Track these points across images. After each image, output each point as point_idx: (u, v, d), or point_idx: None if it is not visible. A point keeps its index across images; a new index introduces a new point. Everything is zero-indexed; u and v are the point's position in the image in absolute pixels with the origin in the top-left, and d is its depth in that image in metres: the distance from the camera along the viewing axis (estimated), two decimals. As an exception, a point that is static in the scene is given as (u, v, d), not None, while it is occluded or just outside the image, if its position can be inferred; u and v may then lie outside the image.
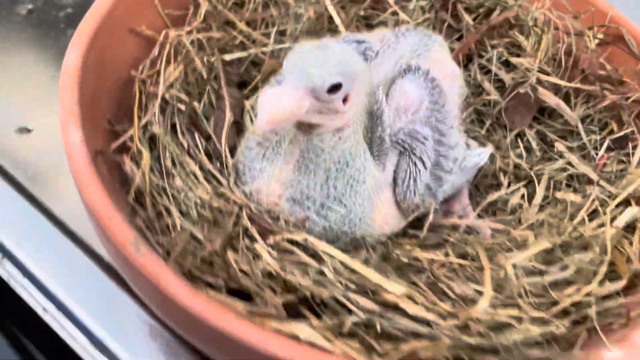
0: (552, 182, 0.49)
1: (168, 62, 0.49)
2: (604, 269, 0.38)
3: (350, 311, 0.34)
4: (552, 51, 0.53)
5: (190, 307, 0.30)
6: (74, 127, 0.37)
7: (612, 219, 0.44)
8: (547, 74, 0.51)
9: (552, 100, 0.50)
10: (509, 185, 0.50)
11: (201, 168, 0.43)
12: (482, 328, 0.33)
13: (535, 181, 0.49)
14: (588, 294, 0.37)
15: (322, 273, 0.36)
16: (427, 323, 0.33)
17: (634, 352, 0.32)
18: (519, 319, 0.35)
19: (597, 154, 0.50)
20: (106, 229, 0.33)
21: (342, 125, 0.39)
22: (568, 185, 0.49)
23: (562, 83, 0.51)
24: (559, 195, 0.48)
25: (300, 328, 0.32)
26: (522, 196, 0.48)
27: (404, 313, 0.34)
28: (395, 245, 0.43)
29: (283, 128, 0.39)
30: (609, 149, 0.51)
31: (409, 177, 0.42)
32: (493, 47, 0.55)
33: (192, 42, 0.51)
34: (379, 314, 0.33)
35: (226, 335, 0.30)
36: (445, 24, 0.57)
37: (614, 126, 0.52)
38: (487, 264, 0.37)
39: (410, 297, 0.35)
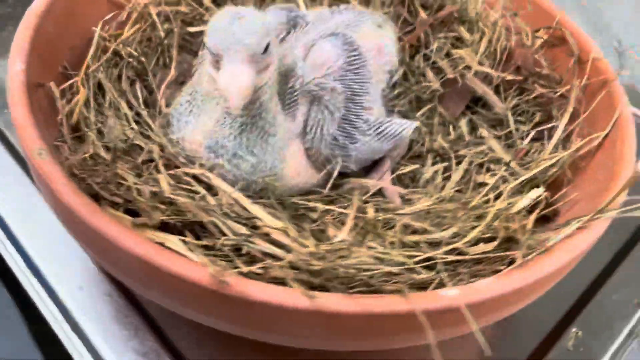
0: (472, 165, 0.51)
1: (133, 26, 0.55)
2: (477, 231, 0.40)
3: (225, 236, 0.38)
4: (493, 46, 0.55)
5: (72, 207, 0.35)
6: (18, 59, 0.43)
7: (512, 196, 0.46)
8: (481, 64, 0.54)
9: (479, 87, 0.53)
10: (433, 164, 0.53)
11: (137, 113, 0.48)
12: (334, 257, 0.36)
13: (454, 162, 0.51)
14: (454, 250, 0.39)
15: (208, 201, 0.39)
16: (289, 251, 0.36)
17: (469, 290, 0.34)
18: (381, 260, 0.37)
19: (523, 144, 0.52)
20: (21, 139, 0.38)
21: (271, 75, 0.43)
22: (488, 170, 0.51)
23: (493, 72, 0.53)
24: (477, 177, 0.50)
25: (171, 239, 0.36)
26: (436, 172, 0.50)
27: (272, 241, 0.37)
28: (300, 198, 0.46)
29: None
30: (535, 140, 0.52)
31: (317, 125, 0.45)
32: (439, 39, 0.58)
33: (159, 13, 0.56)
34: (247, 238, 0.37)
35: (101, 235, 0.34)
36: (401, 18, 0.60)
37: (543, 119, 0.53)
38: (354, 209, 0.40)
39: (285, 232, 0.38)
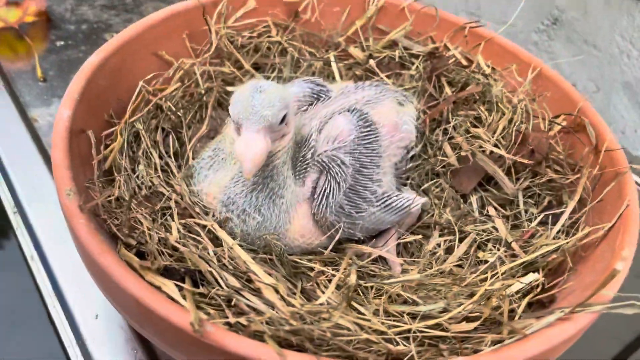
0: (476, 242, 0.52)
1: (179, 82, 0.60)
2: (461, 308, 0.41)
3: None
4: (510, 128, 0.57)
5: (84, 244, 0.39)
6: (66, 107, 0.48)
7: (506, 277, 0.47)
8: (496, 145, 0.56)
9: (489, 167, 0.54)
10: (440, 236, 0.54)
11: (166, 163, 0.53)
12: (314, 319, 0.38)
13: (457, 237, 0.52)
14: (438, 325, 0.41)
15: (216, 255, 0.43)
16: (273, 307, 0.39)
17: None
18: (361, 327, 0.39)
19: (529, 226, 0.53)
20: (55, 179, 0.43)
21: (286, 144, 0.47)
22: (492, 249, 0.52)
23: (505, 154, 0.55)
24: (479, 254, 0.51)
25: (168, 284, 0.39)
26: (439, 245, 0.52)
27: (260, 296, 0.40)
28: (302, 257, 0.49)
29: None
30: (543, 223, 0.53)
31: (323, 193, 0.48)
32: (459, 116, 0.60)
33: (203, 72, 0.62)
34: (237, 291, 0.40)
35: (106, 274, 0.38)
36: (427, 93, 0.63)
37: (554, 203, 0.54)
38: (340, 273, 0.42)
39: (275, 289, 0.41)
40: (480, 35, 0.67)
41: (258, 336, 0.36)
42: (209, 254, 0.42)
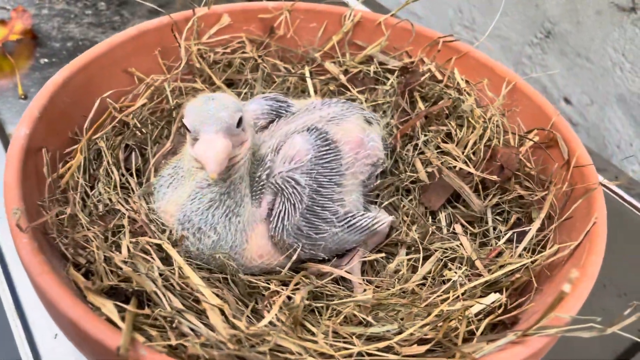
0: (442, 261, 0.51)
1: (147, 99, 0.60)
2: (412, 330, 0.40)
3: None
4: (479, 144, 0.56)
5: (25, 264, 0.39)
6: (24, 125, 0.48)
7: (467, 297, 0.45)
8: (466, 162, 0.54)
9: (455, 183, 0.53)
10: (407, 254, 0.53)
11: (127, 180, 0.52)
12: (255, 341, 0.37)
13: (421, 256, 0.51)
14: (388, 348, 0.39)
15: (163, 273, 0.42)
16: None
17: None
18: (306, 350, 0.38)
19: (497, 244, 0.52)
20: (5, 198, 0.43)
21: (245, 153, 0.46)
22: (460, 266, 0.51)
23: (473, 171, 0.53)
24: (445, 272, 0.50)
25: (107, 305, 0.38)
26: (402, 263, 0.51)
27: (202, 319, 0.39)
28: (257, 277, 0.48)
29: (226, 166, 0.45)
30: (511, 241, 0.51)
31: (279, 215, 0.47)
32: (430, 132, 0.59)
33: (174, 89, 0.62)
34: (180, 312, 0.39)
35: (44, 294, 0.38)
36: (400, 108, 0.62)
37: (522, 220, 0.53)
38: (289, 290, 0.41)
39: (221, 310, 0.40)
40: (456, 49, 0.66)
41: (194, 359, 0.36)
42: (152, 273, 0.42)
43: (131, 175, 0.52)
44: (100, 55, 0.58)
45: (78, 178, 0.49)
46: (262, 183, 0.48)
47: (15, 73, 0.79)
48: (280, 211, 0.47)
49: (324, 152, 0.49)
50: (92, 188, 0.50)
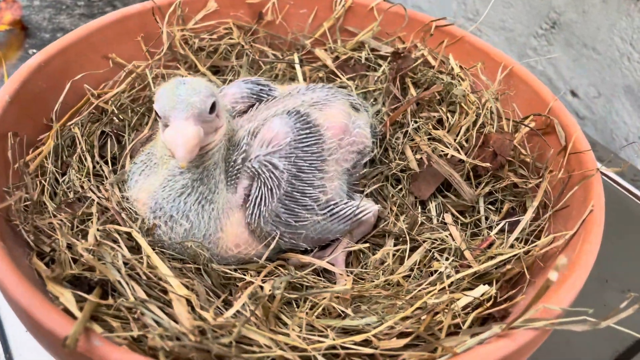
0: (430, 252, 0.48)
1: (126, 86, 0.58)
2: (390, 322, 0.37)
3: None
4: (471, 130, 0.53)
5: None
6: (-8, 109, 0.46)
7: (454, 289, 0.42)
8: (457, 150, 0.52)
9: (445, 171, 0.50)
10: (395, 245, 0.50)
11: (101, 167, 0.50)
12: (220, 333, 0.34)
13: (408, 246, 0.48)
14: (366, 342, 0.37)
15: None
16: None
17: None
18: (276, 343, 0.36)
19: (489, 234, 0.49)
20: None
21: (220, 139, 0.44)
22: (447, 259, 0.48)
23: (464, 158, 0.50)
24: (433, 263, 0.47)
25: (65, 295, 0.36)
26: (387, 254, 0.48)
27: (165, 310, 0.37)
28: (230, 267, 0.45)
29: (198, 153, 0.42)
30: (504, 231, 0.49)
31: (255, 201, 0.45)
32: (421, 118, 0.56)
33: (156, 76, 0.60)
34: (143, 302, 0.36)
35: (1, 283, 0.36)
36: (391, 95, 0.59)
37: (516, 210, 0.50)
38: (259, 280, 0.38)
39: (188, 301, 0.38)
40: (451, 34, 0.63)
41: (153, 352, 0.33)
42: (117, 262, 0.39)
43: (106, 163, 0.50)
44: (78, 39, 0.56)
45: (48, 164, 0.47)
46: (237, 167, 0.46)
47: (2, 64, 0.77)
48: (256, 197, 0.45)
49: (304, 136, 0.47)
50: (64, 175, 0.48)
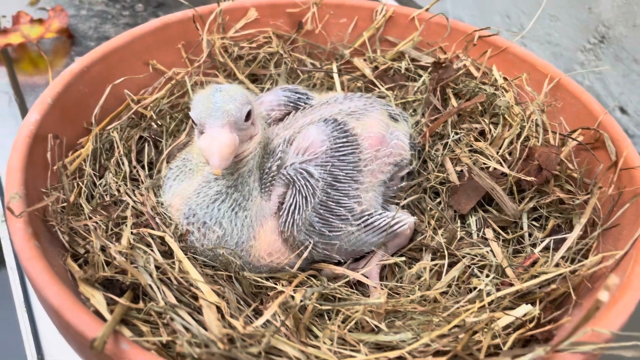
0: (470, 267, 0.46)
1: (166, 92, 0.58)
2: (425, 340, 0.36)
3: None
4: (515, 142, 0.51)
5: (17, 249, 0.37)
6: (35, 111, 0.47)
7: (495, 308, 0.40)
8: (500, 162, 0.50)
9: (487, 184, 0.48)
10: (432, 260, 0.48)
11: (137, 171, 0.50)
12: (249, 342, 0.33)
13: (446, 262, 0.46)
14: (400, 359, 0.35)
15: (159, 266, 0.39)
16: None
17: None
18: (307, 355, 0.34)
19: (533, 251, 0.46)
20: (5, 182, 0.41)
21: (255, 147, 0.44)
22: (488, 275, 0.46)
23: (508, 171, 0.48)
24: (472, 280, 0.45)
25: (97, 297, 0.36)
26: (424, 269, 0.46)
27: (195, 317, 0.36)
28: (263, 276, 0.44)
29: (233, 161, 0.42)
30: (548, 249, 0.46)
31: (290, 209, 0.44)
32: (462, 130, 0.54)
33: (195, 83, 0.60)
34: (173, 308, 0.36)
35: (32, 280, 0.35)
36: (431, 106, 0.58)
37: (562, 227, 0.47)
38: (290, 290, 0.37)
39: (218, 308, 0.37)
40: (494, 44, 0.61)
41: (181, 358, 0.33)
42: (149, 266, 0.39)
43: (142, 167, 0.50)
44: (120, 46, 0.57)
45: (86, 167, 0.48)
46: (272, 175, 0.45)
47: (49, 70, 0.79)
48: (290, 204, 0.44)
49: (341, 145, 0.46)
50: (101, 178, 0.48)
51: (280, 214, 0.44)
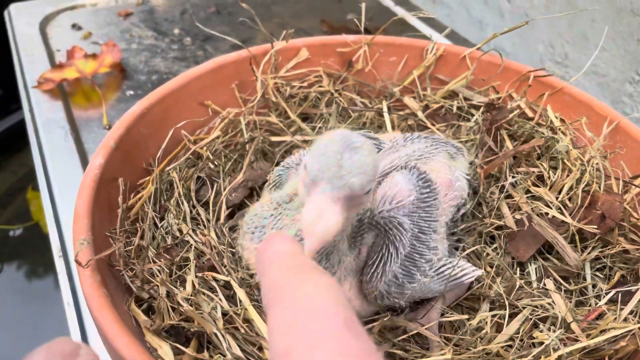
0: (530, 320, 0.45)
1: (221, 132, 0.59)
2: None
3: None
4: (575, 189, 0.50)
5: (87, 297, 0.37)
6: (100, 154, 0.48)
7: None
8: (560, 209, 0.49)
9: (548, 233, 0.47)
10: (490, 310, 0.47)
11: (197, 211, 0.51)
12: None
13: (507, 313, 0.45)
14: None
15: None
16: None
17: None
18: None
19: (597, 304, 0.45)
20: (73, 228, 0.42)
21: (355, 214, 0.41)
22: (549, 329, 0.45)
23: (569, 220, 0.47)
24: (535, 333, 0.44)
25: (164, 347, 0.36)
26: (485, 322, 0.45)
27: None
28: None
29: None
30: (614, 302, 0.45)
31: (379, 260, 0.42)
32: (519, 173, 0.54)
33: (248, 122, 0.61)
34: (239, 360, 0.36)
35: (101, 330, 0.36)
36: (485, 147, 0.58)
37: (628, 278, 0.46)
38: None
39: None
40: (549, 84, 0.61)
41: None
42: (215, 314, 0.39)
43: (202, 207, 0.51)
44: (177, 88, 0.58)
45: (147, 209, 0.48)
46: (362, 227, 0.43)
47: (102, 104, 0.82)
48: (382, 255, 0.42)
49: (426, 195, 0.45)
50: (162, 219, 0.49)
51: (369, 263, 0.43)
